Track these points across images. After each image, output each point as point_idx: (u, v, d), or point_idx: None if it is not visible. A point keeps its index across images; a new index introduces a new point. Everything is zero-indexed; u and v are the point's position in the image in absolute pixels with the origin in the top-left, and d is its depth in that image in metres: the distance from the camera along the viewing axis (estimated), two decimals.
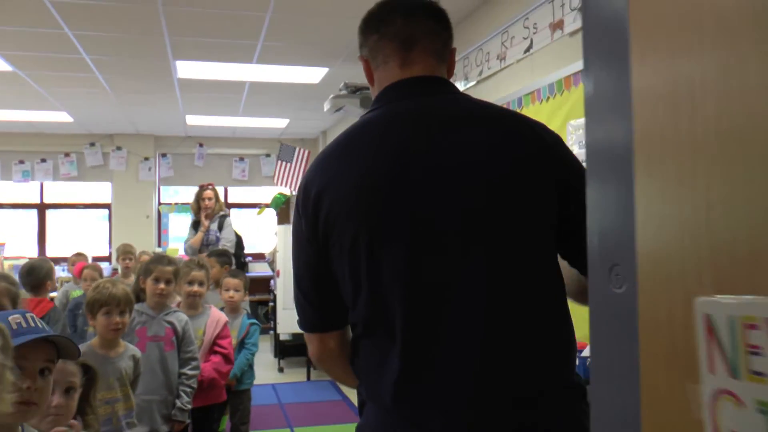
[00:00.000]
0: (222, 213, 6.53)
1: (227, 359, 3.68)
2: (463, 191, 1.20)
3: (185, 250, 6.50)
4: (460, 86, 4.60)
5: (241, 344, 4.11)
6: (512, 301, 1.19)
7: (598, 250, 0.70)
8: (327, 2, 4.25)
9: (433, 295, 1.19)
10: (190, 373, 3.24)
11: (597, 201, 0.70)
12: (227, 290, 4.18)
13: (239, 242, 7.03)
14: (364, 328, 1.28)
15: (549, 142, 1.28)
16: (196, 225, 6.46)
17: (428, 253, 1.19)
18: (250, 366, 4.18)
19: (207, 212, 6.39)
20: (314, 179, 1.29)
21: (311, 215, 1.27)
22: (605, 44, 0.67)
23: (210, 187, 6.55)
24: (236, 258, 6.18)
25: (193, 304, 3.63)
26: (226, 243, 6.31)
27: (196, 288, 3.60)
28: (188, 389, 3.21)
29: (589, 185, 0.70)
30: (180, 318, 3.28)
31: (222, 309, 4.16)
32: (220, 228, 6.42)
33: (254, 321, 4.24)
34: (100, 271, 5.21)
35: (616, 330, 0.68)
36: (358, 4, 4.20)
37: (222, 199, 6.80)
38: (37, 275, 4.22)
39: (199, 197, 6.46)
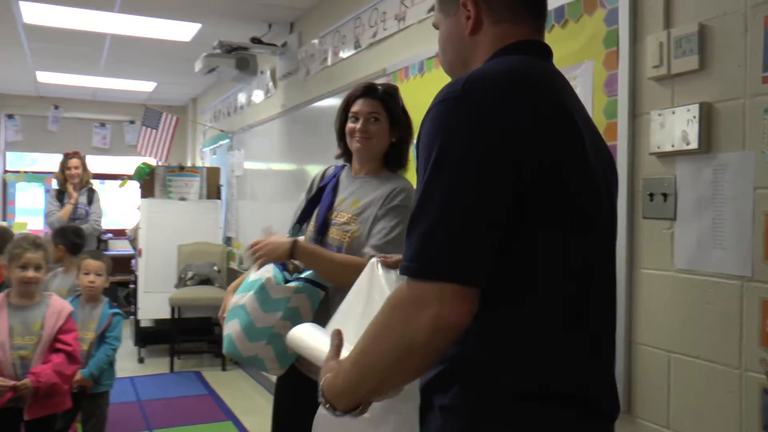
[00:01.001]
0: (90, 186, 6.15)
1: (72, 358, 3.05)
2: (608, 177, 1.26)
3: (50, 224, 5.92)
4: (349, 52, 4.15)
5: (101, 338, 3.48)
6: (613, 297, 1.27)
7: None
8: None
9: (602, 273, 1.20)
10: None
11: None
12: (87, 274, 3.53)
13: None
14: (548, 299, 1.09)
15: None
16: (60, 195, 6.00)
17: (602, 228, 1.20)
18: (111, 364, 3.55)
19: (74, 182, 5.96)
20: (535, 102, 1.09)
21: (535, 135, 1.05)
22: None
23: (76, 155, 6.15)
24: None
25: (27, 293, 2.98)
26: (96, 218, 5.99)
27: (30, 273, 2.94)
28: None
29: None
30: None
31: (77, 296, 3.54)
32: (90, 202, 6.03)
33: (117, 311, 3.61)
34: None
35: None
36: None
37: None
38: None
39: (64, 166, 6.04)
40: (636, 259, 2.11)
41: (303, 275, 2.18)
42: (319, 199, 2.33)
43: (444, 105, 1.05)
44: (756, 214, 1.75)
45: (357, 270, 1.73)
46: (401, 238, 2.03)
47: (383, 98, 2.27)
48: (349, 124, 2.27)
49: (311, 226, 2.31)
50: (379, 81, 3.55)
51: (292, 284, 2.14)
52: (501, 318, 1.08)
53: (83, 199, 6.00)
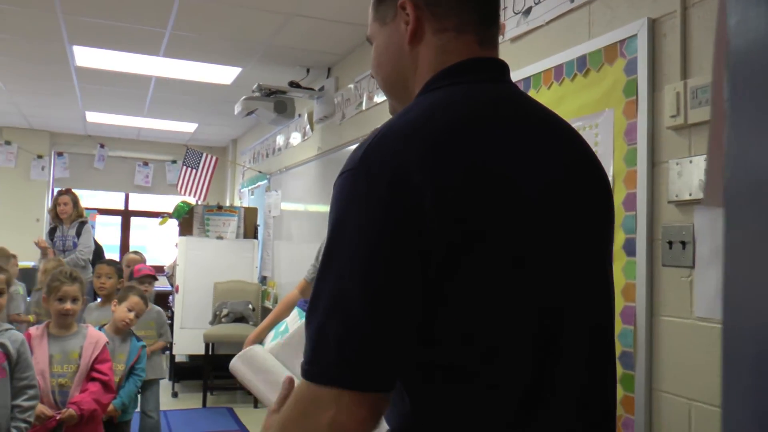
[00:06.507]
0: (81, 219, 6.44)
1: (107, 387, 3.15)
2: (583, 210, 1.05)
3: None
4: (382, 97, 4.23)
5: (130, 370, 3.58)
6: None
7: None
8: None
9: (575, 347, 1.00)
10: (26, 404, 2.69)
11: None
12: (131, 310, 3.66)
13: (99, 252, 6.81)
14: (484, 371, 0.93)
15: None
16: (53, 232, 6.40)
17: (563, 273, 0.99)
18: (135, 395, 3.66)
19: (63, 217, 6.34)
20: (440, 165, 0.90)
21: (438, 213, 0.88)
22: None
23: (68, 192, 6.50)
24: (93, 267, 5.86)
25: (65, 324, 3.09)
26: (84, 249, 6.23)
27: (68, 305, 3.06)
28: (23, 425, 2.66)
29: None
30: (14, 337, 2.73)
31: (101, 327, 3.65)
32: (78, 234, 6.33)
33: (143, 343, 3.73)
34: None
35: None
36: None
37: (82, 204, 6.66)
38: None
39: (55, 202, 6.44)
40: (656, 306, 2.12)
41: None
42: None
43: (342, 181, 0.93)
44: None
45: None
46: None
47: None
48: None
49: None
50: None
51: None
52: (440, 394, 0.94)
53: (72, 231, 6.31)
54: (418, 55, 1.09)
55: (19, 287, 5.02)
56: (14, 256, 5.71)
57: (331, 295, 0.88)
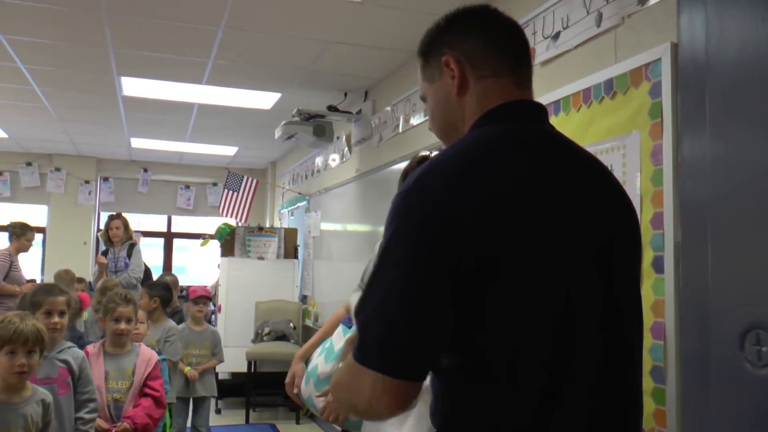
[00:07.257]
0: (131, 241, 6.73)
1: (159, 403, 3.31)
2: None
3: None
4: (419, 120, 4.38)
5: None
6: None
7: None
8: (282, 21, 4.00)
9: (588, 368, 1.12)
10: (88, 416, 2.88)
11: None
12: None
13: (148, 274, 7.07)
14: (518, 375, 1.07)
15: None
16: (104, 254, 6.68)
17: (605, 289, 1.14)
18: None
19: (115, 240, 6.65)
20: (468, 195, 1.05)
21: (468, 236, 1.03)
22: None
23: (119, 216, 6.82)
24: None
25: (120, 342, 3.27)
26: (135, 268, 6.51)
27: (123, 326, 3.24)
28: None
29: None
30: (76, 354, 2.94)
31: None
32: (129, 255, 6.62)
33: (163, 357, 3.87)
34: None
35: None
36: (316, 25, 4.08)
37: (133, 227, 7.00)
38: None
39: (107, 226, 6.75)
40: None
41: None
42: None
43: (398, 200, 1.09)
44: None
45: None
46: None
47: None
48: None
49: None
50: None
51: None
52: (473, 396, 1.08)
53: (123, 253, 6.59)
54: (465, 103, 1.24)
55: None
56: (81, 279, 6.02)
57: (378, 298, 1.06)
